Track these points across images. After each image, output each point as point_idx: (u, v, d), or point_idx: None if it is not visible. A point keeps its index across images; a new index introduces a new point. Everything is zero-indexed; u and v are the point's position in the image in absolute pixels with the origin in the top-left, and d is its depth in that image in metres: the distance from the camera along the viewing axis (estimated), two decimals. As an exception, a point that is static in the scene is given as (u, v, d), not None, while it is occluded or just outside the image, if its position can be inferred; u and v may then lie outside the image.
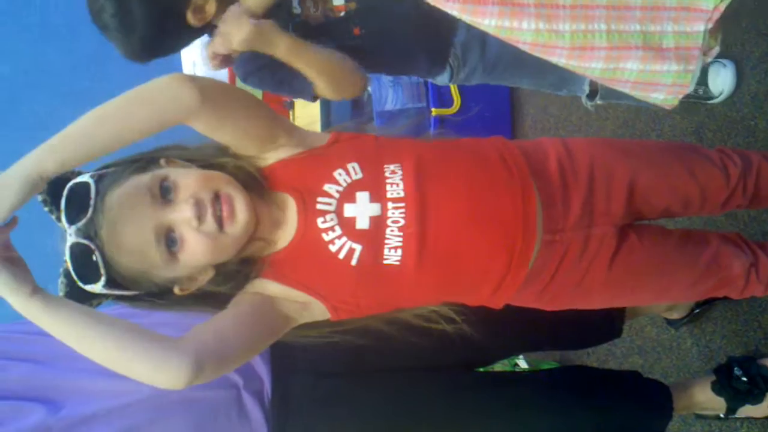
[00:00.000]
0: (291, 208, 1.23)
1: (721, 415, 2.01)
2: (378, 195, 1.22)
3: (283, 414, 1.61)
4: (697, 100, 2.24)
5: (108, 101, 1.12)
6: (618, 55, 1.06)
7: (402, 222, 1.21)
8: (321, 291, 1.23)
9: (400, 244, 1.21)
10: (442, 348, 1.53)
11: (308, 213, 1.21)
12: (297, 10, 1.75)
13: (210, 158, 1.25)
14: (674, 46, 1.05)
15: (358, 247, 1.20)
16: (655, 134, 2.47)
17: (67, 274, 1.15)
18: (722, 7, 1.07)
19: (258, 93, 1.94)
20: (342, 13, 1.77)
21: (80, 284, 1.14)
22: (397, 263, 1.22)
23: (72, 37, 3.39)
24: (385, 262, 1.22)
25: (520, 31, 1.07)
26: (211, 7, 1.64)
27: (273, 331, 1.22)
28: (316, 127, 3.28)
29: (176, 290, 1.20)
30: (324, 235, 1.21)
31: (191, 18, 1.63)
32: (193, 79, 1.14)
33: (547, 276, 1.31)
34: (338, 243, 1.20)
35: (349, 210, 1.21)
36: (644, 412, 1.82)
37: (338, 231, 1.20)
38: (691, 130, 2.33)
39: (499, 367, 2.49)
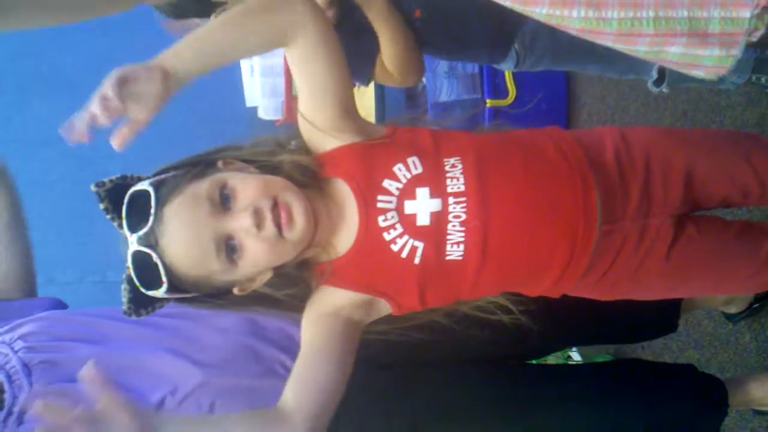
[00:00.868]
0: (350, 206, 1.22)
1: (780, 412, 1.99)
2: (438, 190, 1.21)
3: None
4: (762, 89, 2.18)
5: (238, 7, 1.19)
6: (663, 41, 1.08)
7: (463, 217, 1.21)
8: (385, 290, 1.24)
9: (462, 239, 1.21)
10: (498, 339, 1.53)
11: (369, 212, 1.21)
12: None
13: (266, 156, 1.25)
14: (719, 32, 1.07)
15: (420, 245, 1.20)
16: (715, 126, 2.42)
17: (129, 281, 1.17)
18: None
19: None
20: None
21: (143, 290, 1.16)
22: (460, 258, 1.22)
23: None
24: (448, 257, 1.22)
25: (570, 18, 1.09)
26: None
27: (353, 345, 1.24)
28: (371, 119, 3.29)
29: (235, 291, 1.22)
30: (385, 235, 1.21)
31: None
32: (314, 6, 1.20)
33: (604, 266, 1.30)
34: (400, 242, 1.21)
35: (409, 207, 1.21)
36: (699, 407, 1.79)
37: (399, 229, 1.21)
38: (753, 122, 2.28)
39: (552, 359, 2.49)
